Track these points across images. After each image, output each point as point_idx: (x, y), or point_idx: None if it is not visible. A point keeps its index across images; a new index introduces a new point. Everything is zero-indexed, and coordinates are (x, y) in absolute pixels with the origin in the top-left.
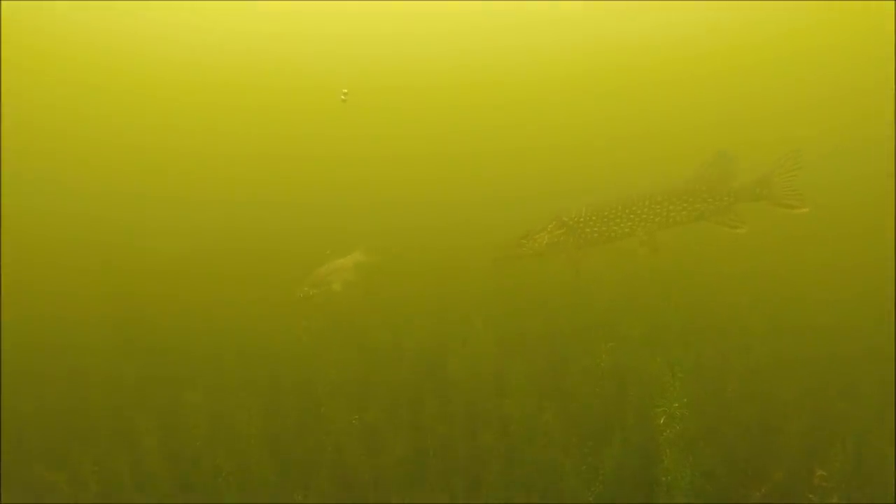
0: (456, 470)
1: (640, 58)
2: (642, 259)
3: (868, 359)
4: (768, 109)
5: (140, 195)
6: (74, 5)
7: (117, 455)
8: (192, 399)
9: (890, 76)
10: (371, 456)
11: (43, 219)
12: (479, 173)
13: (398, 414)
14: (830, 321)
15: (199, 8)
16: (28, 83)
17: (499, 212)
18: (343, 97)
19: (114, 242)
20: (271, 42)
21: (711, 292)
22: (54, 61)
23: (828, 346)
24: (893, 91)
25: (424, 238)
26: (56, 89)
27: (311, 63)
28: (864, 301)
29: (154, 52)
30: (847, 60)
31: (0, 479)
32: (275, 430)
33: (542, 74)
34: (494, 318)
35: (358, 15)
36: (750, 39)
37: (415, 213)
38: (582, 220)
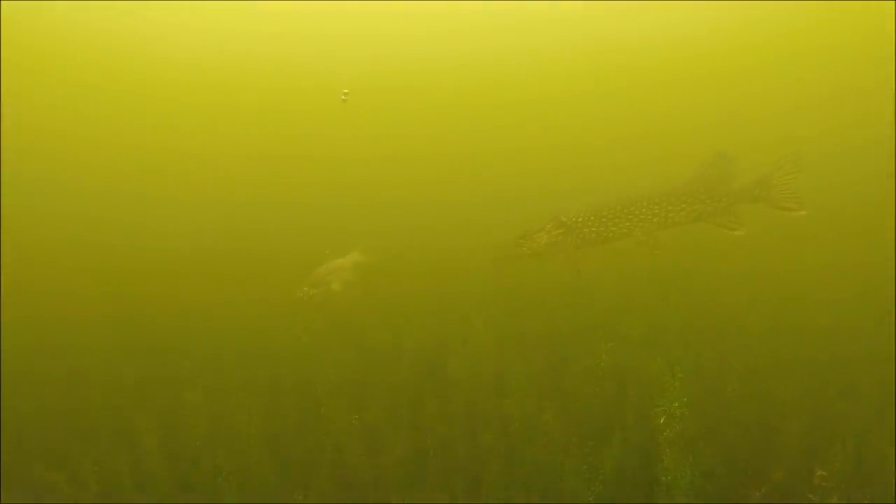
0: (456, 470)
1: (640, 58)
2: (643, 258)
3: (868, 359)
4: (768, 109)
5: (140, 195)
6: (74, 5)
7: (117, 455)
8: (192, 399)
9: (890, 76)
10: (371, 456)
11: (43, 219)
12: (478, 173)
13: (398, 414)
14: (830, 321)
15: (199, 8)
16: (28, 83)
17: (498, 212)
18: (343, 97)
19: (114, 242)
20: (271, 42)
21: (711, 292)
22: (54, 61)
23: (828, 347)
24: (893, 91)
25: (424, 238)
26: (56, 89)
27: (311, 63)
28: (864, 301)
29: (154, 52)
30: (847, 60)
31: (0, 479)
32: (275, 430)
33: (542, 74)
34: (494, 318)
35: (358, 15)
36: (750, 39)
37: (414, 214)
38: (580, 220)
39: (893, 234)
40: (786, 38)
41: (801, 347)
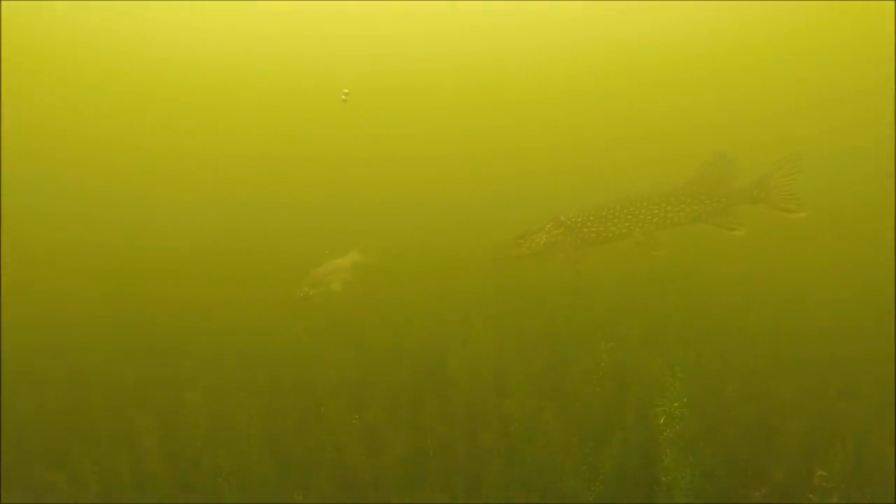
0: (456, 470)
1: (640, 58)
2: (643, 258)
3: (868, 359)
4: (768, 110)
5: (140, 195)
6: (74, 5)
7: (117, 455)
8: (192, 399)
9: (890, 76)
10: (371, 456)
11: (43, 219)
12: (478, 174)
13: (398, 414)
14: (830, 322)
15: (199, 8)
16: (28, 83)
17: (498, 212)
18: (343, 97)
19: (114, 243)
20: (271, 42)
21: (711, 293)
22: (54, 61)
23: (828, 347)
24: (893, 91)
25: (424, 238)
26: (56, 89)
27: (312, 63)
28: (864, 302)
29: (154, 52)
30: (847, 60)
31: (0, 479)
32: (275, 430)
33: (542, 75)
34: (494, 318)
35: (358, 15)
36: (750, 39)
37: (414, 214)
38: (580, 220)
39: (893, 235)
40: (786, 38)
41: (801, 348)
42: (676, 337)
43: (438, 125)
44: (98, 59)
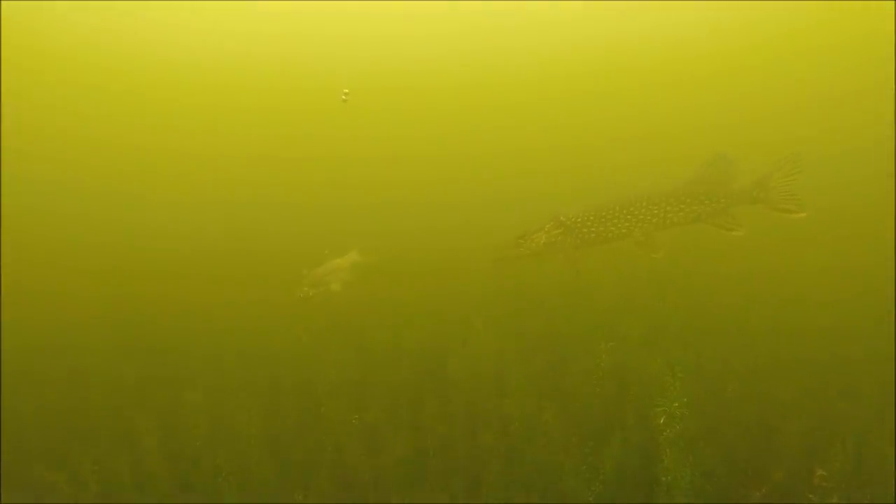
0: (456, 470)
1: (640, 58)
2: (643, 259)
3: (868, 359)
4: (768, 110)
5: (140, 196)
6: (74, 5)
7: (117, 455)
8: (192, 399)
9: (890, 76)
10: (371, 456)
11: (43, 219)
12: (478, 174)
13: (398, 414)
14: (830, 322)
15: (199, 8)
16: (28, 83)
17: (498, 212)
18: (343, 98)
19: (114, 243)
20: (271, 43)
21: (710, 293)
22: (54, 61)
23: (828, 347)
24: (893, 91)
25: (423, 238)
26: (56, 89)
27: (312, 64)
28: (864, 302)
29: (154, 52)
30: (847, 60)
31: (0, 479)
32: (275, 430)
33: (542, 75)
34: (494, 318)
35: (358, 15)
36: (750, 40)
37: (414, 214)
38: (579, 220)
39: (893, 235)
40: (786, 39)
41: (801, 348)
42: (676, 337)
43: (438, 126)
44: (98, 59)
